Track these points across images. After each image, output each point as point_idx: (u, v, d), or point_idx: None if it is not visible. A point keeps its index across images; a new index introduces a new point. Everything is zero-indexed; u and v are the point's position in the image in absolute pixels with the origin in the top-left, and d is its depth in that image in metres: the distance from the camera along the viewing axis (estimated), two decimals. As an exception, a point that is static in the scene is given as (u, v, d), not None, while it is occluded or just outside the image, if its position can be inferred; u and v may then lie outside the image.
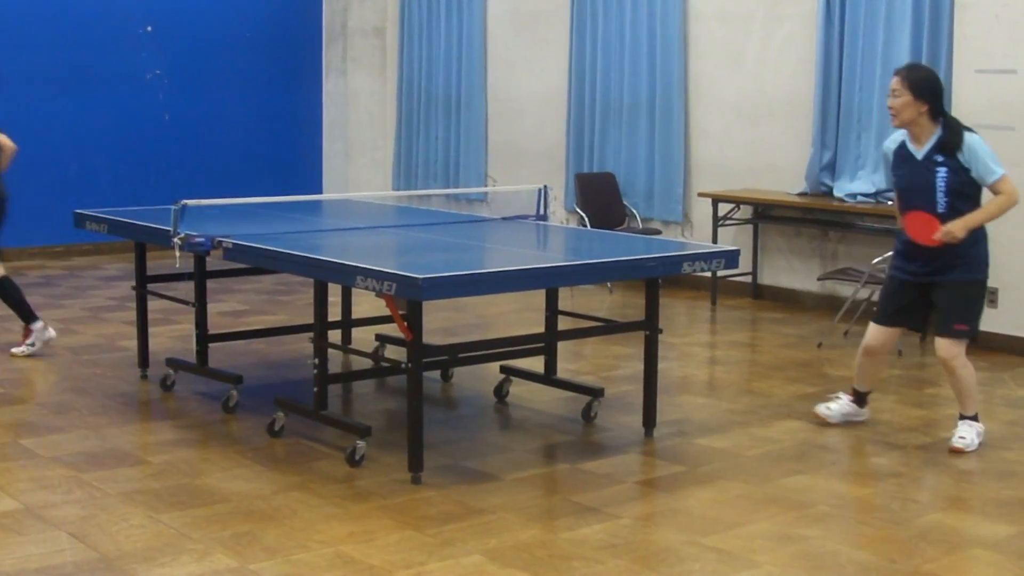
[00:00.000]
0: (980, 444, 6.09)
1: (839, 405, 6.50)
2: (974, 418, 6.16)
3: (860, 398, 6.50)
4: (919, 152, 6.00)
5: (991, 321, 8.14)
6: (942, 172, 5.91)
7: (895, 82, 5.99)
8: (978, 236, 5.98)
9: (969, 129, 5.96)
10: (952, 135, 5.91)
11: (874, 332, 6.25)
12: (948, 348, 6.01)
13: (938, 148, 5.93)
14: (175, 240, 6.20)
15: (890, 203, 9.02)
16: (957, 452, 6.03)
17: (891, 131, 9.03)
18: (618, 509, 5.20)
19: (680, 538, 4.89)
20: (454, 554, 4.68)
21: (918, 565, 4.64)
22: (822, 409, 6.50)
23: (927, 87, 5.94)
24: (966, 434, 6.10)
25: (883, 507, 5.32)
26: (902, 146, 6.09)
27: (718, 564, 4.63)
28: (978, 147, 5.87)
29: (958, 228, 5.85)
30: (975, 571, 4.60)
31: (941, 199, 5.92)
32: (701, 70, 10.39)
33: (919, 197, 5.98)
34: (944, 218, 5.90)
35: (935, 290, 6.04)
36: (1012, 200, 5.94)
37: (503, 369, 7.00)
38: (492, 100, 12.21)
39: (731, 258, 6.17)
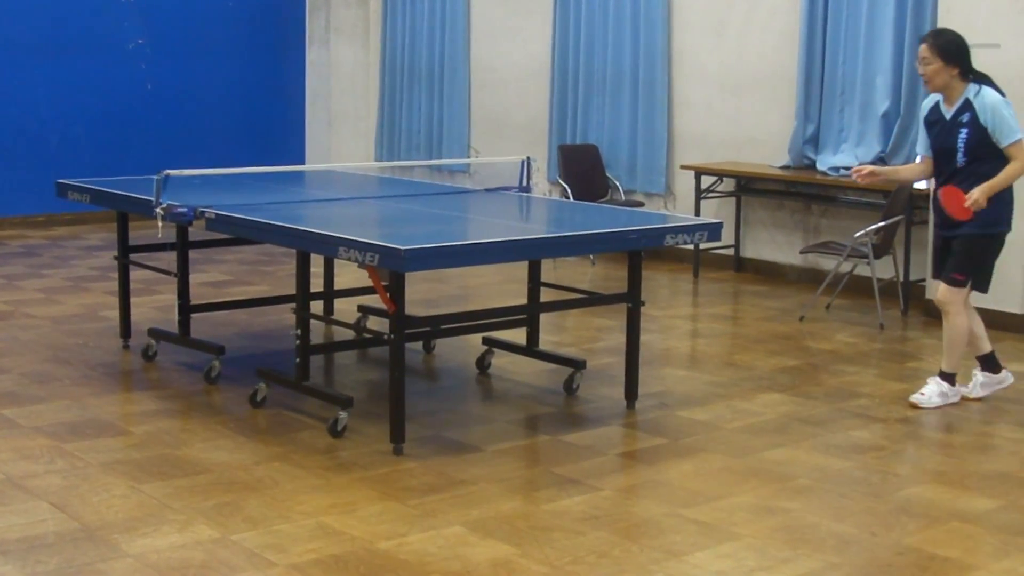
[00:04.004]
0: (944, 406, 6.31)
1: (976, 379, 6.50)
2: (950, 378, 6.36)
3: (987, 363, 6.49)
4: (948, 112, 6.16)
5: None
6: (963, 132, 6.08)
7: (923, 49, 6.13)
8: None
9: (998, 90, 6.11)
10: (975, 94, 6.06)
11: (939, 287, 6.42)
12: (943, 292, 6.26)
13: (965, 108, 6.09)
14: (157, 210, 6.18)
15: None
16: (913, 407, 6.30)
17: (872, 104, 9.21)
18: (599, 481, 5.22)
19: (661, 510, 4.91)
20: (435, 525, 4.69)
21: (898, 538, 4.67)
22: (967, 389, 6.49)
23: (955, 50, 6.08)
24: (927, 391, 6.36)
25: (864, 480, 5.34)
26: (935, 108, 6.26)
27: (699, 536, 4.64)
28: (999, 107, 6.01)
29: (980, 195, 6.00)
30: (955, 544, 4.62)
31: (960, 158, 6.09)
32: (684, 41, 10.37)
33: (944, 157, 6.18)
34: (962, 174, 6.08)
35: (953, 242, 6.23)
36: None
37: (485, 341, 7.00)
38: (475, 71, 12.17)
39: (713, 231, 6.17)
